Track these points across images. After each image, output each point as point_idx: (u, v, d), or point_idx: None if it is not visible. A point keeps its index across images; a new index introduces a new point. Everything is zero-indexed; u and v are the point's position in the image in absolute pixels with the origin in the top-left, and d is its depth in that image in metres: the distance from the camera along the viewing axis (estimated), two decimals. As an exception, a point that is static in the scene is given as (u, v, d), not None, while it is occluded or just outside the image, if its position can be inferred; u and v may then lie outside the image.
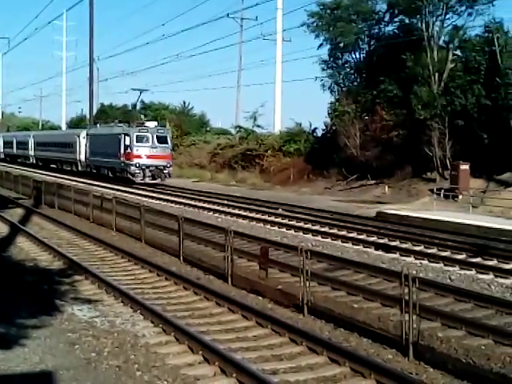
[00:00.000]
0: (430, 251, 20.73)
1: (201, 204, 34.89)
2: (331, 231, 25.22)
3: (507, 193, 34.08)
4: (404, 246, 21.90)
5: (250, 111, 63.01)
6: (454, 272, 17.54)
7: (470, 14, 42.25)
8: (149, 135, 46.82)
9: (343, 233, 24.80)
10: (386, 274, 16.13)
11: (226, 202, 35.39)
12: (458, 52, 43.60)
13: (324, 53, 53.97)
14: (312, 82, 53.93)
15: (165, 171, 47.38)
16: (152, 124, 49.29)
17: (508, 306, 13.47)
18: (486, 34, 39.60)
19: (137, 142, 46.66)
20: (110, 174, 51.10)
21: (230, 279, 16.32)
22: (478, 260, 19.40)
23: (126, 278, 16.97)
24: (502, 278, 16.83)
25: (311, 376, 9.97)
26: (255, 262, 17.26)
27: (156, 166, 46.90)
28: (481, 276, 17.06)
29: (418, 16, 43.43)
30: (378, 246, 21.60)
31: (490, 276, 17.08)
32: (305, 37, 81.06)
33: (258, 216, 29.85)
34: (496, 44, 37.45)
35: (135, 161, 46.58)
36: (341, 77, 53.63)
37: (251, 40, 76.68)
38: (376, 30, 51.50)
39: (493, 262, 19.01)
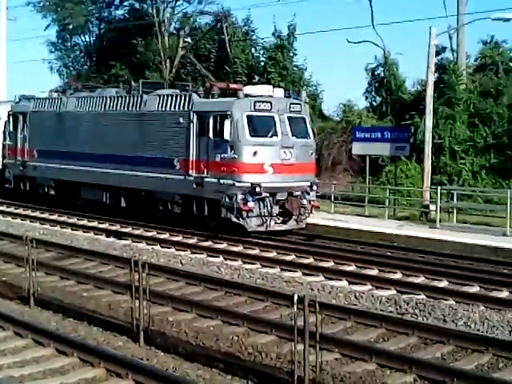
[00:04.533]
0: (161, 236, 20.87)
1: None
2: (61, 219, 24.45)
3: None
4: (136, 232, 21.85)
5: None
6: (186, 256, 17.77)
7: (200, 2, 43.32)
8: (275, 116, 20.87)
9: (73, 220, 24.16)
10: (117, 261, 15.91)
11: None
12: (188, 39, 44.33)
13: (52, 34, 52.20)
14: (40, 63, 51.95)
15: (303, 201, 21.20)
16: (278, 92, 21.99)
17: (236, 287, 13.85)
18: (216, 23, 40.57)
19: (252, 132, 20.53)
20: (121, 204, 24.41)
21: None
22: (208, 244, 19.87)
23: None
24: (230, 260, 17.39)
25: (37, 369, 9.45)
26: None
27: (290, 192, 20.96)
28: (211, 259, 17.46)
29: (149, 1, 43.51)
30: (109, 233, 21.32)
31: (220, 259, 17.55)
32: (31, 16, 78.14)
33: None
34: (225, 33, 38.52)
35: (246, 178, 20.15)
36: (70, 60, 52.25)
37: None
38: (106, 14, 50.83)
39: (223, 246, 19.61)
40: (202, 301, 12.98)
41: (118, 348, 10.50)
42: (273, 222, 20.60)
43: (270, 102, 20.83)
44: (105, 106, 25.13)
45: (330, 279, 15.42)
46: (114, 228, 22.58)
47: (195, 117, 21.33)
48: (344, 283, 15.11)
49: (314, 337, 8.64)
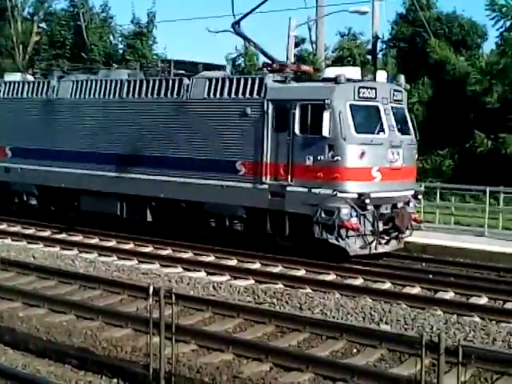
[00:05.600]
0: (12, 229, 20.10)
1: None
2: None
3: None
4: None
5: None
6: (39, 249, 17.17)
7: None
8: (380, 107, 16.77)
9: None
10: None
11: None
12: (43, 25, 42.95)
13: None
14: None
15: (408, 209, 17.31)
16: (381, 75, 17.56)
17: (91, 280, 13.48)
18: (72, 9, 39.58)
19: (358, 128, 16.31)
20: (147, 217, 19.20)
21: None
22: (63, 236, 19.30)
23: None
24: (85, 253, 16.96)
25: None
26: None
27: (394, 203, 17.01)
28: (65, 252, 16.98)
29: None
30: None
31: (75, 252, 17.08)
32: None
33: None
34: (81, 19, 37.62)
35: (352, 188, 16.15)
36: None
37: None
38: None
39: (78, 238, 19.07)
40: (55, 295, 12.53)
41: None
42: (377, 245, 16.36)
43: (375, 89, 16.59)
44: (120, 93, 19.51)
45: (189, 270, 15.34)
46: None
47: (271, 107, 16.71)
48: (202, 274, 15.07)
49: (170, 329, 8.48)
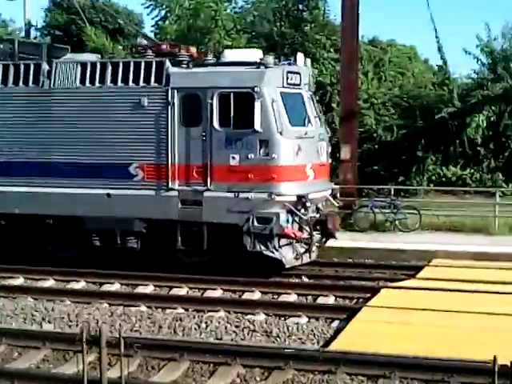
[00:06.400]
0: None
1: None
2: None
3: None
4: None
5: None
6: None
7: None
8: (304, 95, 14.48)
9: None
10: None
11: None
12: None
13: None
14: None
15: (328, 210, 15.24)
16: (301, 59, 14.55)
17: None
18: None
19: (291, 120, 13.78)
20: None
21: None
22: None
23: None
24: None
25: None
26: None
27: (317, 204, 14.51)
28: None
29: None
30: None
31: None
32: None
33: None
34: None
35: (290, 189, 13.65)
36: None
37: None
38: None
39: None
40: None
41: None
42: (309, 254, 14.06)
43: (300, 74, 14.29)
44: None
45: None
46: None
47: (177, 97, 13.80)
48: None
49: None
